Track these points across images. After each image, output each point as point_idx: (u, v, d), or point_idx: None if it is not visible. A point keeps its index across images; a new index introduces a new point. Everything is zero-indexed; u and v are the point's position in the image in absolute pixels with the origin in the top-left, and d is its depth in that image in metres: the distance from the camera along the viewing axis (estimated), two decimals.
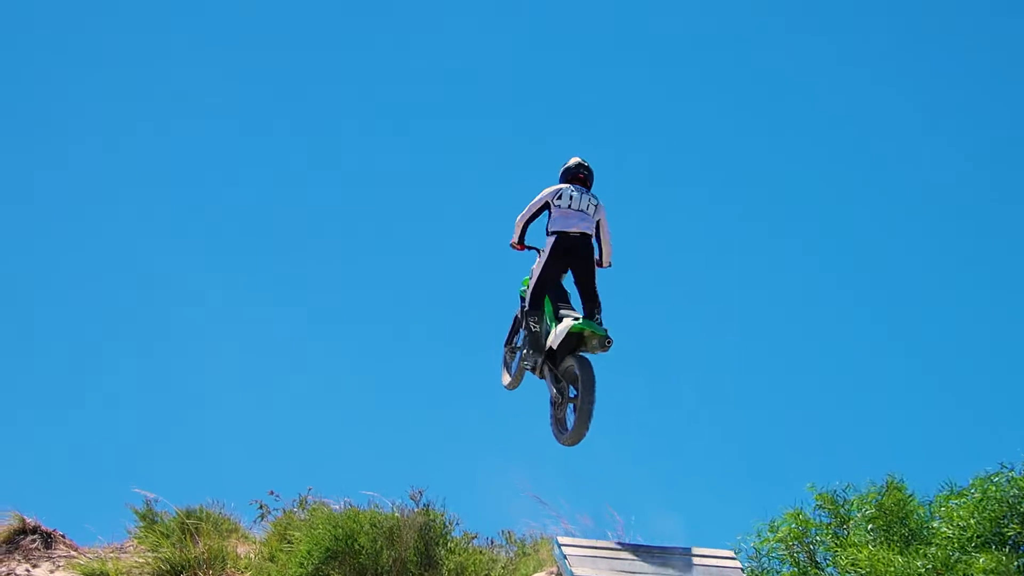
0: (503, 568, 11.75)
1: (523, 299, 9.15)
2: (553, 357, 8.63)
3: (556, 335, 8.56)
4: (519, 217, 9.32)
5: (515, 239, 9.23)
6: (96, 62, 28.63)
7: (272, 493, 13.38)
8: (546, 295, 8.94)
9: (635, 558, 11.14)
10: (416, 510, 11.52)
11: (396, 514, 11.45)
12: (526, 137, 29.38)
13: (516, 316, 9.40)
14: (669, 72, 30.69)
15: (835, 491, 12.09)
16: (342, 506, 11.64)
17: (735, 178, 29.85)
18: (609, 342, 8.47)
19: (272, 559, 12.04)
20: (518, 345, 9.41)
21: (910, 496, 11.73)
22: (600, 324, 8.68)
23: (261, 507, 13.31)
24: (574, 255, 8.92)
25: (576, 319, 8.57)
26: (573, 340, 8.47)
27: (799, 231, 29.13)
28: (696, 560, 11.20)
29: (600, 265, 9.13)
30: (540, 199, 9.23)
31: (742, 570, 11.25)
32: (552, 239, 9.04)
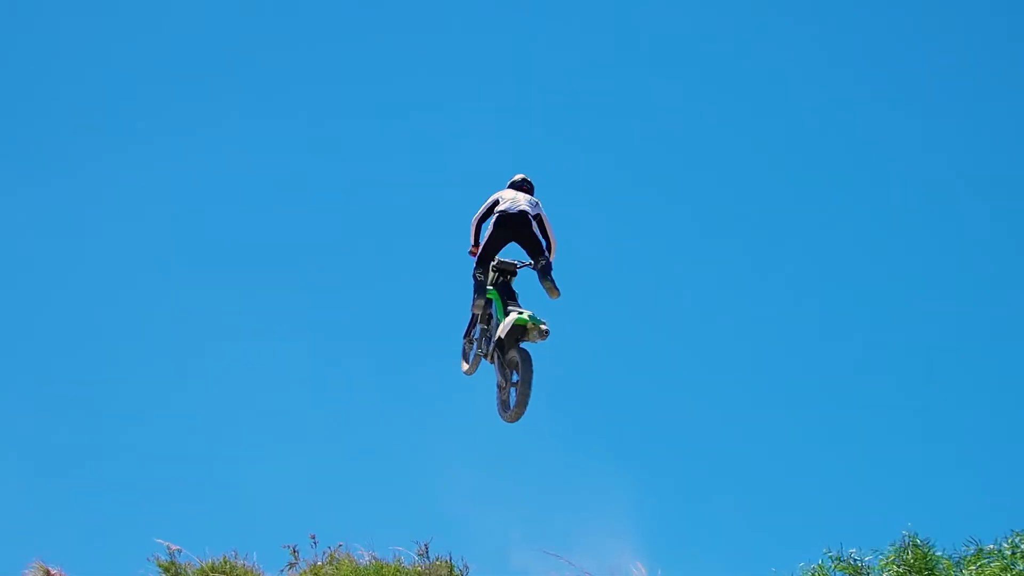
0: None
1: (484, 300, 10.17)
2: (502, 346, 9.67)
3: (504, 326, 9.63)
4: (472, 219, 10.39)
5: (472, 244, 10.26)
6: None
7: (312, 537, 13.37)
8: (497, 290, 10.10)
9: None
10: (436, 562, 11.54)
11: (419, 568, 11.47)
12: (522, 137, 29.48)
13: (474, 315, 10.30)
14: (672, 72, 30.78)
15: (852, 554, 12.02)
16: (368, 560, 11.66)
17: (745, 213, 29.77)
18: (547, 332, 9.61)
19: None
20: (475, 337, 10.37)
21: (934, 554, 11.68)
22: (552, 281, 9.82)
23: (293, 553, 13.29)
24: (514, 226, 10.02)
25: (520, 314, 9.66)
26: (518, 331, 9.58)
27: (812, 274, 29.05)
28: None
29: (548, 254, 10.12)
30: (489, 201, 10.28)
31: None
32: (495, 217, 10.21)
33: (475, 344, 10.35)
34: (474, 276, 9.99)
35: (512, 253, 10.41)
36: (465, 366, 10.40)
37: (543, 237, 10.24)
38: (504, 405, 9.80)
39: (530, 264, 10.17)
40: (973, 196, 29.25)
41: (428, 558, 11.52)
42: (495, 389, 9.93)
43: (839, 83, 30.10)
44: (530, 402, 9.45)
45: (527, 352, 9.56)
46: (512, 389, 9.69)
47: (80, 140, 28.90)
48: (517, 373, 9.64)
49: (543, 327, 9.60)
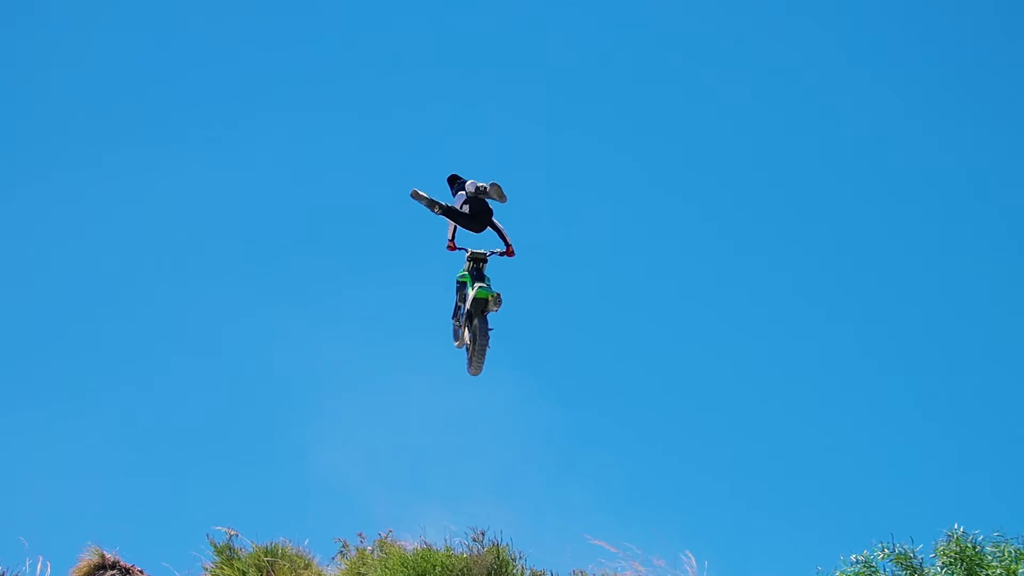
0: None
1: (457, 284, 12.31)
2: (470, 316, 11.91)
3: (469, 301, 11.78)
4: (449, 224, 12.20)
5: (448, 239, 12.16)
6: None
7: (360, 535, 13.55)
8: (470, 274, 12.05)
9: None
10: (485, 549, 11.54)
11: (467, 554, 11.48)
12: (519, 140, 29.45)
13: (456, 302, 12.35)
14: (677, 72, 30.62)
15: (901, 545, 11.96)
16: (418, 546, 11.71)
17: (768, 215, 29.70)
18: (500, 300, 11.70)
19: None
20: (460, 315, 12.35)
21: (981, 547, 11.60)
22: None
23: (344, 545, 13.42)
24: (476, 204, 11.98)
25: (480, 287, 11.77)
26: (480, 304, 11.70)
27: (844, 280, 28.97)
28: None
29: (510, 254, 12.18)
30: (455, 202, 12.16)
31: None
32: (459, 200, 12.15)
33: (458, 325, 12.34)
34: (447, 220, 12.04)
35: (482, 243, 12.36)
36: (456, 342, 12.39)
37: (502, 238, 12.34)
38: (470, 363, 11.99)
39: (498, 251, 12.13)
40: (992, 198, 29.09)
41: (482, 544, 11.55)
42: (466, 349, 12.15)
43: (847, 80, 29.97)
44: (485, 361, 11.83)
45: (486, 323, 11.78)
46: (475, 350, 11.92)
47: (89, 136, 29.31)
48: (477, 340, 11.85)
49: (497, 295, 11.70)
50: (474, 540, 11.50)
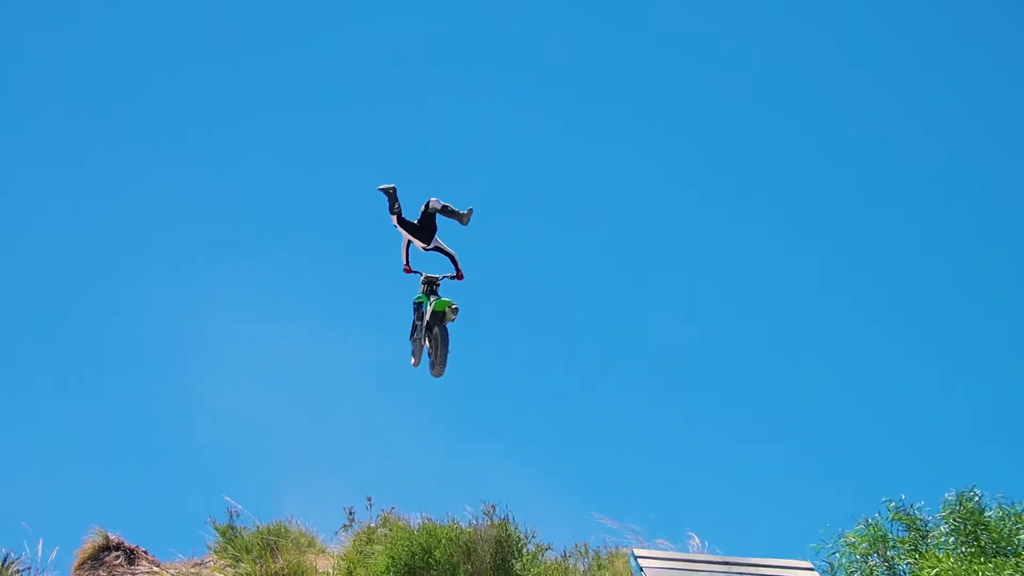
0: None
1: (414, 306, 13.25)
2: (429, 327, 12.91)
3: (428, 313, 12.80)
4: (401, 246, 13.13)
5: (404, 264, 13.21)
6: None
7: (369, 499, 13.53)
8: (426, 295, 13.02)
9: (712, 570, 11.10)
10: (490, 524, 11.52)
11: (471, 528, 11.46)
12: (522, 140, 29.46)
13: (414, 321, 13.28)
14: (686, 72, 30.63)
15: (910, 506, 12.00)
16: (421, 521, 11.68)
17: (781, 198, 29.82)
18: (457, 309, 12.67)
19: (351, 574, 12.11)
20: (416, 336, 13.25)
21: (984, 510, 11.63)
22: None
23: (350, 514, 13.39)
24: (426, 219, 12.87)
25: (438, 300, 12.75)
26: (438, 315, 12.70)
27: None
28: (773, 571, 11.14)
29: (459, 278, 13.07)
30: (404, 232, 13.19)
31: None
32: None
33: (415, 341, 13.24)
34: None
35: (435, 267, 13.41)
36: (413, 360, 13.32)
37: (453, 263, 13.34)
38: (431, 367, 12.90)
39: (449, 276, 13.15)
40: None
41: (493, 519, 11.52)
42: (427, 358, 13.03)
43: (847, 79, 30.00)
44: (447, 363, 12.73)
45: (446, 329, 12.79)
46: (436, 354, 12.80)
47: (77, 134, 29.26)
48: (439, 345, 12.76)
49: (453, 306, 12.70)
50: (485, 514, 11.47)
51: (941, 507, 11.82)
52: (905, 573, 11.71)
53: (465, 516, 11.64)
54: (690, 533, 12.49)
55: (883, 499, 12.20)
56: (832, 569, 12.22)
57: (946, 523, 11.65)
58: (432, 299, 12.92)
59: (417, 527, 11.59)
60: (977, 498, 11.72)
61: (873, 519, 11.96)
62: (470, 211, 12.89)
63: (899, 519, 12.06)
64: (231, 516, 13.65)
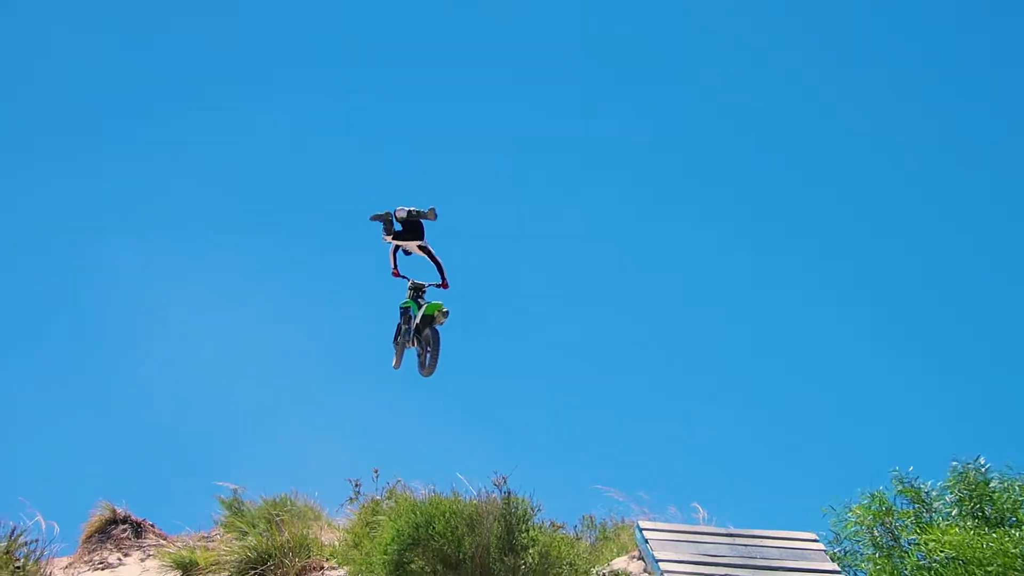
0: (585, 553, 11.76)
1: (401, 310, 13.75)
2: (419, 330, 13.49)
3: (418, 317, 13.37)
4: (389, 250, 13.77)
5: (392, 268, 13.82)
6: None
7: (376, 472, 13.57)
8: (412, 299, 13.67)
9: (718, 542, 11.13)
10: (495, 496, 11.51)
11: (476, 501, 11.45)
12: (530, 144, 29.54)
13: (398, 323, 13.82)
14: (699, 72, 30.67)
15: (915, 479, 12.01)
16: (426, 494, 11.68)
17: (789, 183, 29.86)
18: (447, 313, 13.24)
19: (357, 546, 12.14)
20: (399, 340, 13.79)
21: (990, 478, 11.63)
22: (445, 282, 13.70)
23: (356, 486, 13.41)
24: (409, 225, 13.61)
25: (429, 303, 13.36)
26: (428, 319, 13.24)
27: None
28: (779, 543, 11.17)
29: (444, 286, 13.68)
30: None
31: (825, 551, 11.20)
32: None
33: (399, 344, 13.80)
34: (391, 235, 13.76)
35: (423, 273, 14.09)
36: (394, 362, 13.84)
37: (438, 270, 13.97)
38: (422, 367, 13.49)
39: (436, 284, 13.69)
40: None
41: (502, 491, 11.52)
42: (416, 358, 13.62)
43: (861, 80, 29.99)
44: (438, 364, 13.26)
45: (436, 331, 13.30)
46: (428, 355, 13.37)
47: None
48: (430, 345, 13.34)
49: (444, 309, 13.29)
50: (495, 485, 11.47)
51: (947, 477, 11.82)
52: (910, 545, 11.73)
53: (470, 489, 11.63)
54: (695, 504, 12.51)
55: (891, 470, 12.21)
56: (837, 541, 12.24)
57: (951, 494, 11.65)
58: (422, 303, 13.55)
59: (422, 499, 11.59)
60: (983, 468, 11.72)
61: (878, 492, 11.96)
62: (432, 209, 13.54)
63: (904, 492, 12.07)
64: (236, 491, 13.70)
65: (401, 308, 13.84)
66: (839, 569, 10.88)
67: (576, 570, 11.07)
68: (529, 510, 11.44)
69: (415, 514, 11.21)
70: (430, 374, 13.32)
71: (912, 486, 11.85)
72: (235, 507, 13.92)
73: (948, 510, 11.70)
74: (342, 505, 13.51)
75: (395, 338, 13.88)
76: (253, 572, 12.08)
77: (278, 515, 12.87)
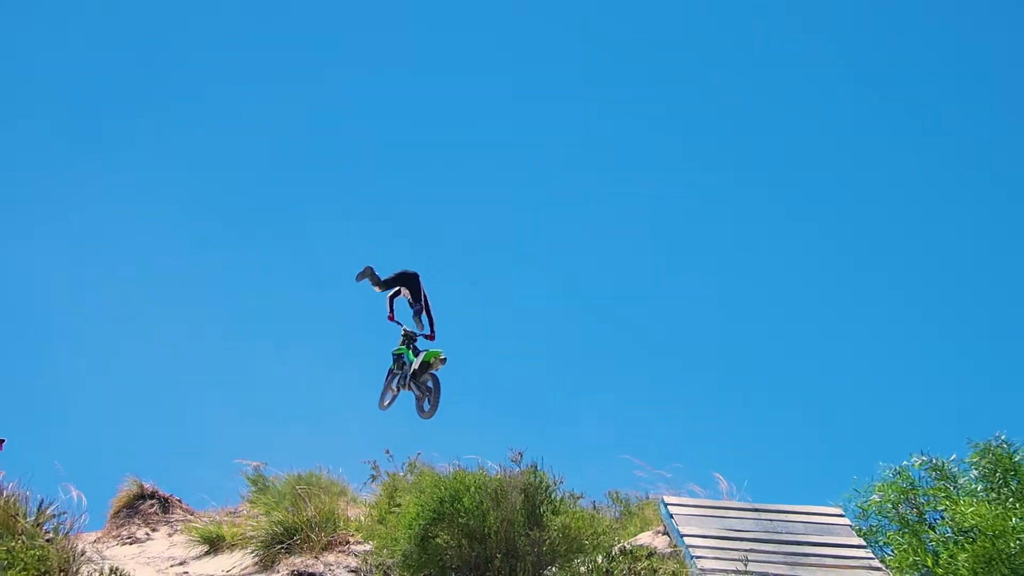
0: (609, 528, 11.77)
1: (394, 356, 14.39)
2: (416, 375, 14.04)
3: (416, 363, 13.96)
4: (386, 296, 14.41)
5: (388, 313, 14.46)
6: None
7: (388, 452, 13.65)
8: (406, 346, 14.34)
9: (743, 516, 11.12)
10: (520, 471, 11.49)
11: (501, 476, 11.43)
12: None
13: (390, 368, 14.43)
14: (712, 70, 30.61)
15: (937, 457, 11.97)
16: (449, 469, 11.68)
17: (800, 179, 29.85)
18: (445, 360, 13.88)
19: (382, 521, 12.17)
20: (391, 384, 14.44)
21: (1015, 452, 11.58)
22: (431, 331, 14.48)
23: (373, 467, 13.48)
24: (406, 280, 14.41)
25: (427, 351, 13.94)
26: (426, 365, 13.82)
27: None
28: (804, 518, 11.15)
29: (431, 338, 14.29)
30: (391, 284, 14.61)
31: (851, 526, 11.17)
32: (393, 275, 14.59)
33: (390, 388, 14.39)
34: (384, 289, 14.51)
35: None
36: (382, 403, 14.39)
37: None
38: (421, 411, 13.88)
39: (424, 334, 14.36)
40: None
41: (521, 466, 11.51)
42: (415, 402, 14.04)
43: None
44: (439, 409, 13.66)
45: (436, 376, 13.85)
46: (426, 400, 13.88)
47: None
48: (429, 393, 13.87)
49: (442, 356, 13.86)
50: (512, 461, 11.46)
51: (969, 454, 11.77)
52: (936, 520, 11.69)
53: (494, 464, 11.63)
54: (717, 475, 12.48)
55: (911, 454, 12.16)
56: (864, 516, 12.21)
57: (976, 469, 11.60)
58: (417, 350, 14.20)
59: (447, 474, 11.59)
60: (1005, 444, 11.66)
61: (903, 467, 11.93)
62: (362, 271, 14.43)
63: (930, 469, 12.03)
64: (257, 467, 13.76)
65: (394, 354, 14.57)
66: (864, 543, 10.86)
67: (600, 544, 11.07)
68: (553, 485, 11.43)
69: (440, 489, 11.22)
70: (430, 417, 13.69)
71: (937, 463, 11.81)
72: (260, 483, 13.98)
73: (973, 486, 11.65)
74: (365, 483, 13.56)
75: (386, 378, 14.51)
76: (280, 546, 12.13)
77: (304, 487, 12.89)
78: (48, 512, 10.11)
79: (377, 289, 14.45)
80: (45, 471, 13.22)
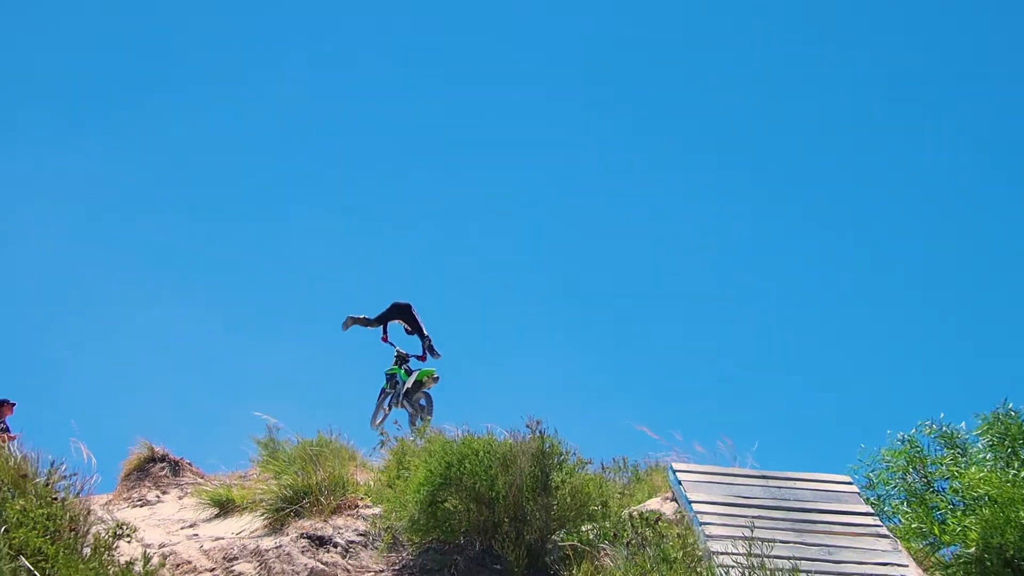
0: (618, 494, 11.80)
1: (387, 376, 15.59)
2: (410, 394, 15.28)
3: (409, 382, 15.22)
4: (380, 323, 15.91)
5: (382, 335, 15.79)
6: None
7: (396, 424, 13.71)
8: (398, 366, 15.67)
9: (751, 483, 11.13)
10: (530, 437, 11.51)
11: (510, 440, 11.46)
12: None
13: (383, 388, 15.58)
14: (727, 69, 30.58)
15: (947, 425, 11.96)
16: (458, 434, 11.71)
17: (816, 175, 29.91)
18: (437, 379, 15.32)
19: (391, 486, 12.22)
20: (384, 404, 15.58)
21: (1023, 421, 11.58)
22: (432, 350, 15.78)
23: (382, 433, 13.52)
24: (400, 311, 15.94)
25: (420, 370, 15.39)
26: (419, 384, 15.15)
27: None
28: (813, 485, 11.14)
29: (422, 359, 15.72)
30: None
31: (859, 494, 11.17)
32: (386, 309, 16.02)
33: (382, 408, 15.40)
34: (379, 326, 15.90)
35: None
36: (376, 421, 15.41)
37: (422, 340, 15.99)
38: (414, 428, 14.51)
39: (417, 356, 15.66)
40: None
41: (537, 431, 11.53)
42: (408, 419, 15.23)
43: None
44: (432, 421, 14.56)
45: (429, 395, 15.17)
46: (419, 418, 14.98)
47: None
48: (422, 410, 15.06)
49: (434, 375, 15.25)
50: (528, 427, 11.49)
51: (977, 424, 11.76)
52: (944, 489, 11.69)
53: (501, 431, 11.64)
54: (726, 439, 12.46)
55: (919, 422, 12.16)
56: (871, 485, 12.22)
57: (984, 438, 11.59)
58: (410, 370, 15.42)
59: (455, 439, 11.62)
60: (1013, 412, 11.64)
61: (911, 435, 11.93)
62: (345, 322, 15.73)
63: (940, 438, 12.02)
64: (269, 429, 13.81)
65: (387, 374, 15.55)
66: (872, 511, 10.85)
67: (609, 510, 11.10)
68: (562, 450, 11.45)
69: (448, 453, 11.25)
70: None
71: (946, 431, 11.80)
72: (271, 446, 14.03)
73: (981, 455, 11.64)
74: (375, 448, 13.62)
75: (379, 397, 15.48)
76: (289, 509, 12.19)
77: (315, 449, 12.93)
78: (59, 473, 10.13)
79: (371, 327, 15.69)
80: (60, 429, 13.28)
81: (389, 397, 15.40)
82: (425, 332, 15.67)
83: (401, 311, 15.80)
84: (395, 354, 15.71)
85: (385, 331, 15.72)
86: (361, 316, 15.73)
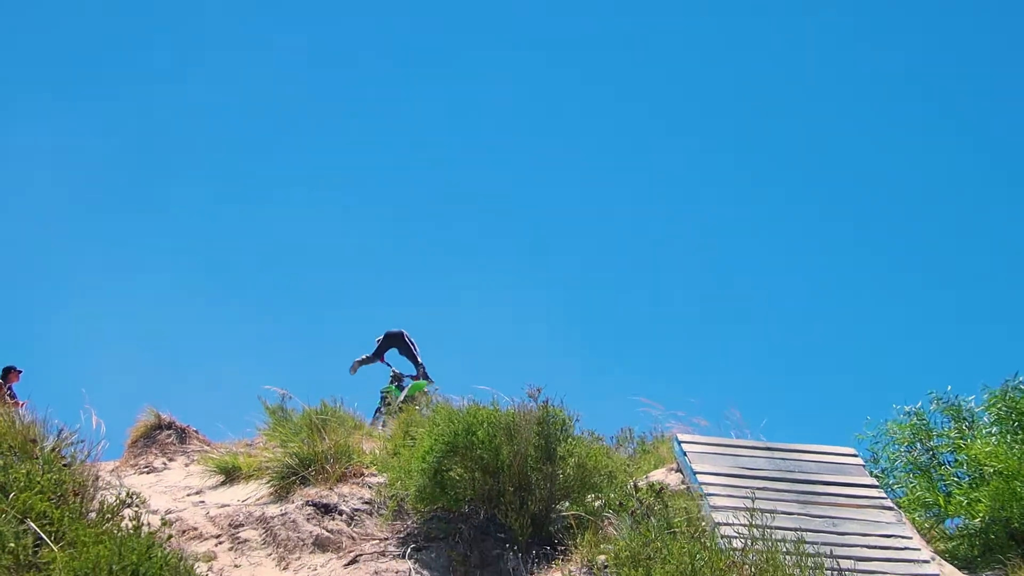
0: (623, 465, 11.80)
1: (382, 395, 16.32)
2: (401, 410, 14.99)
3: (403, 396, 15.72)
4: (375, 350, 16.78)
5: (380, 356, 16.73)
6: None
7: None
8: (393, 385, 16.53)
9: (755, 455, 11.13)
10: (535, 406, 11.50)
11: (515, 410, 11.46)
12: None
13: (378, 407, 16.13)
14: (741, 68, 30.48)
15: (955, 397, 11.94)
16: (464, 403, 11.71)
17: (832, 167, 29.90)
18: (427, 392, 15.21)
19: (396, 455, 12.25)
20: (380, 418, 15.91)
21: None
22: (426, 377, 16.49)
23: (389, 400, 13.52)
24: (394, 340, 16.81)
25: (414, 384, 16.09)
26: (411, 398, 15.19)
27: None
28: (817, 457, 11.14)
29: (415, 378, 16.36)
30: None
31: (863, 466, 11.17)
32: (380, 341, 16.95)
33: (379, 421, 15.69)
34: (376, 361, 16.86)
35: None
36: (374, 432, 15.32)
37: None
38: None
39: (411, 376, 16.31)
40: None
41: (538, 401, 11.52)
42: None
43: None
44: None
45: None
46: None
47: None
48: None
49: (425, 389, 15.52)
50: (530, 396, 11.47)
51: (984, 398, 11.74)
52: (950, 462, 11.69)
53: (507, 400, 11.64)
54: (734, 410, 12.45)
55: (928, 392, 12.15)
56: (876, 459, 12.22)
57: (990, 413, 11.58)
58: (402, 386, 16.10)
59: (461, 408, 11.63)
60: (1020, 387, 11.62)
61: (918, 408, 11.92)
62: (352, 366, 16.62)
63: (946, 411, 12.00)
64: (281, 397, 13.83)
65: (382, 393, 16.33)
66: (877, 483, 10.85)
67: (614, 480, 11.11)
68: (567, 420, 11.45)
69: (454, 423, 11.26)
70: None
71: (952, 405, 11.78)
72: (278, 414, 14.07)
73: (987, 428, 11.63)
74: (376, 415, 13.63)
75: (373, 417, 15.81)
76: (294, 477, 12.23)
77: (321, 418, 12.95)
78: (67, 438, 10.18)
79: (373, 362, 16.67)
80: (71, 398, 13.34)
81: (383, 417, 15.90)
82: (419, 360, 16.57)
83: (394, 339, 16.71)
84: (391, 374, 16.58)
85: (383, 358, 16.76)
86: (363, 356, 16.77)
